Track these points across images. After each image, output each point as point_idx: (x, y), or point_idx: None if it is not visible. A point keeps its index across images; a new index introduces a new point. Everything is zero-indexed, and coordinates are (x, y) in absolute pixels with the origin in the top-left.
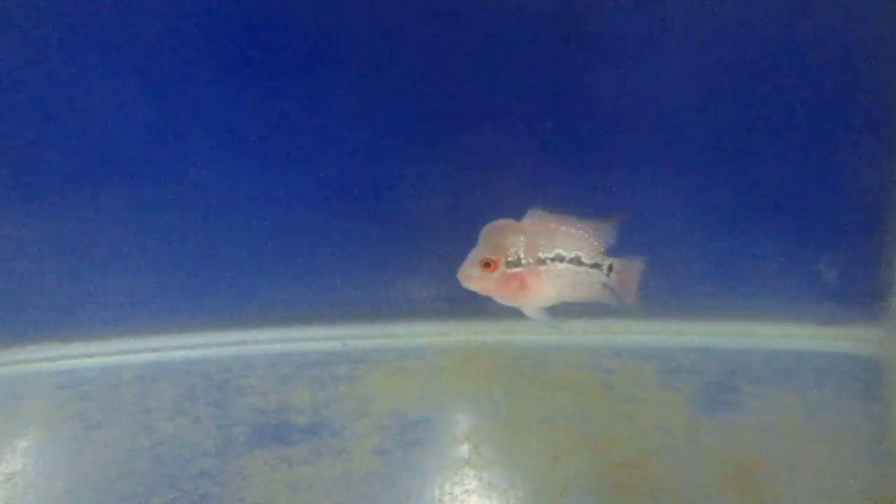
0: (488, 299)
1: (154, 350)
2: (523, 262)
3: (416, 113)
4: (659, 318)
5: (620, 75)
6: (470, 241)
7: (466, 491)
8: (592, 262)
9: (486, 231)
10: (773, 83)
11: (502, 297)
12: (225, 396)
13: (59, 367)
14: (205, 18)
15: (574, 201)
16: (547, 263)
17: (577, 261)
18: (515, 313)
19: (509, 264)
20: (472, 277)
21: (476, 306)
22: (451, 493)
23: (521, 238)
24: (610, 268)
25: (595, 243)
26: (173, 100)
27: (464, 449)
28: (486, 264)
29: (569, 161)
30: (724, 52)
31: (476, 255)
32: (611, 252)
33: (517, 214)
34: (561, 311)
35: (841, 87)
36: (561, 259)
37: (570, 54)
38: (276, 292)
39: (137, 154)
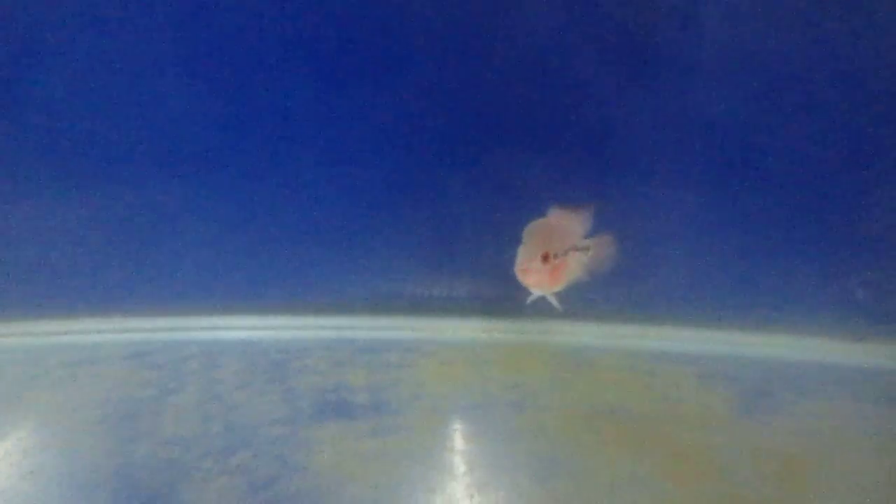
0: (528, 300)
1: (214, 329)
2: (560, 253)
3: (467, 129)
4: (695, 325)
5: (654, 90)
6: (503, 246)
7: (516, 464)
8: (583, 245)
9: (532, 229)
10: (810, 98)
11: (542, 288)
12: (285, 374)
13: (126, 339)
14: (272, 14)
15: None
16: (567, 253)
17: (575, 247)
18: (557, 316)
19: (555, 256)
20: (531, 271)
21: (517, 306)
22: (504, 467)
23: (557, 233)
24: (587, 248)
25: (582, 231)
26: (240, 94)
27: (514, 432)
28: (545, 258)
29: (597, 173)
30: (761, 67)
31: (530, 251)
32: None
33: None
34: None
35: (879, 102)
36: (572, 248)
37: (602, 77)
38: (330, 285)
39: (206, 144)
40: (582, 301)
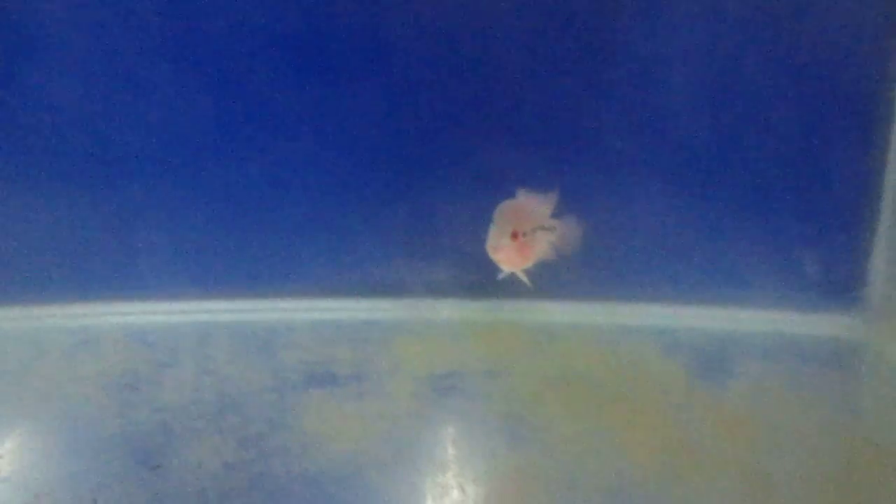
0: (503, 283)
1: (206, 312)
2: (528, 232)
3: (442, 122)
4: (658, 302)
5: (616, 80)
6: (477, 232)
7: (488, 421)
8: (550, 225)
9: (503, 209)
10: (758, 79)
11: (511, 265)
12: (274, 350)
13: (124, 321)
14: (258, 11)
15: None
16: (536, 232)
17: (542, 226)
18: (529, 295)
19: (524, 234)
20: (501, 248)
21: (492, 289)
22: (477, 424)
23: (525, 212)
24: (553, 227)
25: (548, 212)
26: (228, 89)
27: (487, 395)
28: (514, 235)
29: (566, 160)
30: (720, 58)
31: (500, 229)
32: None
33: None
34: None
35: (824, 83)
36: (539, 227)
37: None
38: (316, 270)
39: (197, 137)
40: (552, 281)
